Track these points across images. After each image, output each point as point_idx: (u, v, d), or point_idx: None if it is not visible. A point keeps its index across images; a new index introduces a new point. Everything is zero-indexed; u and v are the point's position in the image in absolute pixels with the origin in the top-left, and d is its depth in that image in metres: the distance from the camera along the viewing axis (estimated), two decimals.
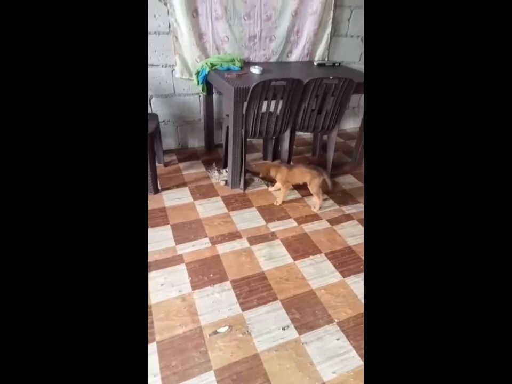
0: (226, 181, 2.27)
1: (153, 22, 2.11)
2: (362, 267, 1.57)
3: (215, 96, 2.55)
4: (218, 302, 1.39)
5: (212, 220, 1.90)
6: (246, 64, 2.33)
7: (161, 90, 2.37)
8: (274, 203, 2.08)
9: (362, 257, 1.61)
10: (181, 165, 2.45)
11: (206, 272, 1.54)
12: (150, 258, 1.56)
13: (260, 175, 2.09)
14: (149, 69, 2.25)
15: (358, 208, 2.05)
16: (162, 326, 1.26)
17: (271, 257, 1.64)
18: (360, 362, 1.15)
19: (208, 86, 2.39)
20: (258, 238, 1.77)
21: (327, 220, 1.94)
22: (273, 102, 1.96)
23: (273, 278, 1.51)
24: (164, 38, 2.19)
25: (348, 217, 1.96)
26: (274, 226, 1.88)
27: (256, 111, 1.93)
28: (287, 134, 2.15)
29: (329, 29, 2.52)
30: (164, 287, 1.44)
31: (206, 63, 2.20)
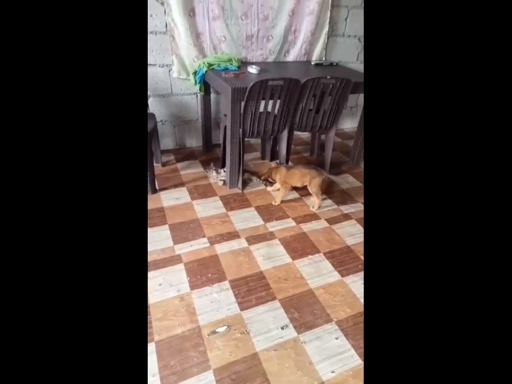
0: (224, 181, 2.27)
1: (150, 22, 2.11)
2: (361, 266, 1.57)
3: (212, 95, 2.56)
4: (216, 302, 1.39)
5: (210, 219, 1.90)
6: (244, 63, 2.34)
7: (159, 90, 2.37)
8: (273, 203, 2.08)
9: (361, 257, 1.62)
10: (179, 165, 2.45)
11: (204, 272, 1.53)
12: (149, 258, 1.56)
13: (262, 178, 2.11)
14: None
15: (356, 208, 2.05)
16: (161, 326, 1.26)
17: (270, 257, 1.64)
18: (359, 362, 1.16)
19: (205, 86, 2.39)
20: (256, 238, 1.77)
21: (325, 220, 1.94)
22: (270, 102, 2.02)
23: (271, 277, 1.52)
24: (161, 37, 2.20)
25: (347, 217, 1.97)
26: (273, 226, 1.88)
27: (253, 111, 1.93)
28: (285, 134, 2.16)
29: (326, 29, 2.52)
30: (162, 287, 1.44)
31: (203, 63, 2.20)
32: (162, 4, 2.08)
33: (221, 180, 2.29)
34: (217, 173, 2.37)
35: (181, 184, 2.21)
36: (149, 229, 1.75)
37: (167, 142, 2.63)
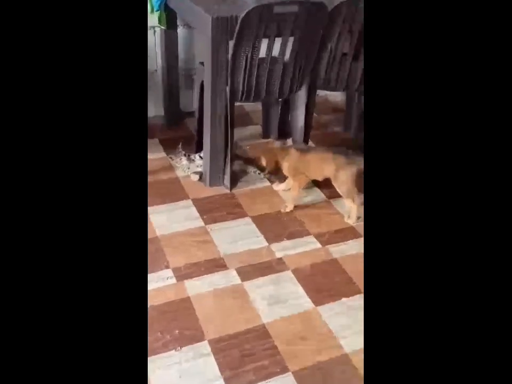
0: (201, 174, 2.28)
1: None
2: None
3: (180, 31, 2.58)
4: (188, 377, 1.40)
5: (178, 238, 1.92)
6: None
7: None
8: (282, 209, 2.11)
9: None
10: None
11: (168, 326, 1.54)
12: None
13: (264, 164, 2.11)
14: None
15: None
16: None
17: (278, 301, 1.65)
18: None
19: (168, 15, 2.41)
20: (255, 269, 1.78)
21: None
22: (277, 42, 1.97)
23: (280, 334, 1.53)
24: None
25: None
26: (283, 249, 1.89)
27: (250, 57, 1.93)
28: (301, 95, 2.16)
29: None
30: None
31: None
32: None
33: (195, 173, 2.29)
34: (190, 160, 2.37)
35: None
36: None
37: None
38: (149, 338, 1.50)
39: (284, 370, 1.43)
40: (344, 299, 1.67)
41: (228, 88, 2.02)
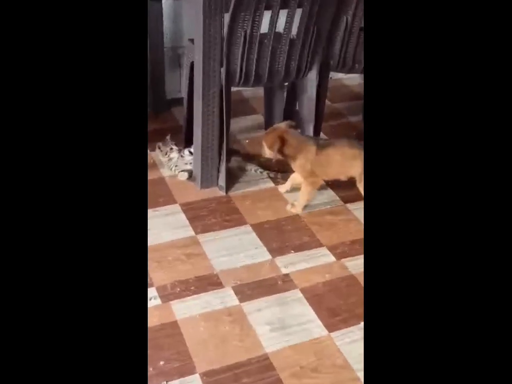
0: (190, 173, 2.22)
1: None
2: None
3: (166, 2, 2.54)
4: None
5: (163, 251, 1.87)
6: None
7: None
8: (288, 208, 2.08)
9: None
10: None
11: (151, 356, 1.48)
12: None
13: (267, 151, 2.05)
14: None
15: None
16: None
17: (283, 326, 1.59)
18: None
19: None
20: (256, 288, 1.72)
21: None
22: (282, 15, 1.92)
23: (287, 366, 1.48)
24: None
25: None
26: (289, 263, 1.83)
27: (249, 32, 1.87)
28: (311, 78, 2.10)
29: None
30: None
31: None
32: None
33: (183, 171, 2.22)
34: (179, 156, 2.30)
35: None
36: None
37: None
38: None
39: None
40: (362, 324, 1.61)
41: (222, 70, 1.95)
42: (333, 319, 1.60)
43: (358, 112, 2.78)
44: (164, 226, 1.97)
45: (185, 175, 2.20)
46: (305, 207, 2.07)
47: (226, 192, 2.15)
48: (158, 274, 1.74)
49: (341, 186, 2.16)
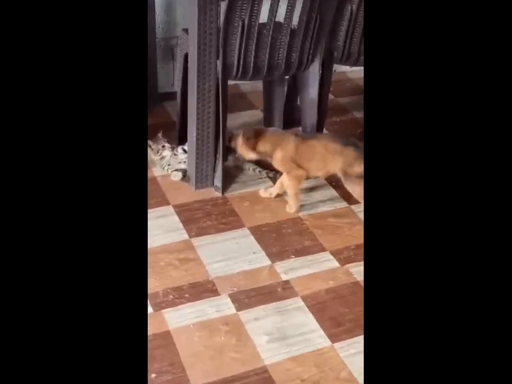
0: (184, 172, 2.20)
1: None
2: None
3: None
4: None
5: (155, 255, 1.84)
6: None
7: None
8: (287, 209, 2.06)
9: None
10: None
11: None
12: None
13: (237, 143, 2.05)
14: None
15: None
16: None
17: (283, 336, 1.57)
18: None
19: None
20: (255, 295, 1.70)
21: None
22: (283, 3, 1.91)
23: (287, 379, 1.47)
24: None
25: None
26: (289, 269, 1.81)
27: (247, 22, 1.85)
28: (313, 71, 2.10)
29: None
30: None
31: None
32: None
33: (177, 170, 2.20)
34: (172, 154, 2.28)
35: None
36: None
37: None
38: None
39: None
40: None
41: (219, 63, 1.93)
42: (337, 329, 1.58)
43: (362, 108, 2.77)
44: (156, 230, 1.95)
45: (179, 174, 2.18)
46: (302, 206, 2.05)
47: (223, 193, 2.12)
48: (149, 281, 1.71)
49: (344, 188, 2.12)
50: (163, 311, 1.61)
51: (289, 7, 1.89)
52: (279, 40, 1.94)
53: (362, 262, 1.75)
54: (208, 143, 2.06)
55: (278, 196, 2.14)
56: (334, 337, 1.55)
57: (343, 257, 1.85)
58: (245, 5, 1.80)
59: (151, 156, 2.31)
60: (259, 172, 2.22)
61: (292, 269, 1.79)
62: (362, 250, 1.81)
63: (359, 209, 2.10)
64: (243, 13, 1.82)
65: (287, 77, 2.31)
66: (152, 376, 1.43)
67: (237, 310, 1.63)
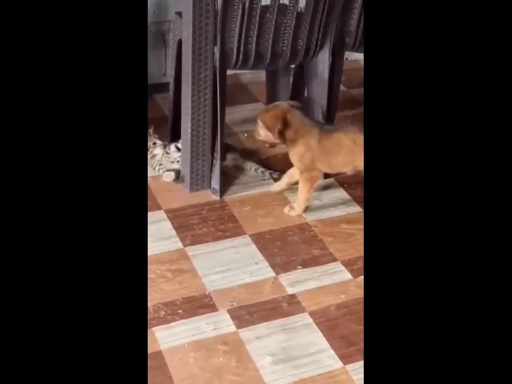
0: (178, 173, 2.20)
1: None
2: None
3: None
4: None
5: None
6: None
7: None
8: (285, 211, 2.04)
9: None
10: None
11: None
12: None
13: (264, 131, 2.01)
14: None
15: None
16: None
17: (289, 357, 1.58)
18: None
19: None
20: (257, 311, 1.71)
21: None
22: None
23: None
24: None
25: None
26: (296, 281, 1.81)
27: (248, 4, 1.87)
28: (323, 59, 2.12)
29: None
30: None
31: None
32: None
33: (169, 171, 2.20)
34: (164, 153, 2.28)
35: None
36: None
37: None
38: None
39: None
40: None
41: (216, 50, 1.94)
42: (349, 349, 1.57)
43: None
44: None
45: (172, 175, 2.18)
46: (307, 209, 2.04)
47: (221, 196, 2.13)
48: None
49: (359, 187, 2.15)
50: (154, 328, 1.60)
51: None
52: (284, 24, 1.94)
53: None
54: (204, 140, 2.06)
55: (289, 185, 2.13)
56: (345, 358, 1.54)
57: (356, 268, 1.84)
58: None
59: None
60: (262, 172, 2.20)
61: (298, 282, 1.79)
62: None
63: None
64: None
65: (292, 66, 2.34)
66: None
67: (236, 327, 1.62)
